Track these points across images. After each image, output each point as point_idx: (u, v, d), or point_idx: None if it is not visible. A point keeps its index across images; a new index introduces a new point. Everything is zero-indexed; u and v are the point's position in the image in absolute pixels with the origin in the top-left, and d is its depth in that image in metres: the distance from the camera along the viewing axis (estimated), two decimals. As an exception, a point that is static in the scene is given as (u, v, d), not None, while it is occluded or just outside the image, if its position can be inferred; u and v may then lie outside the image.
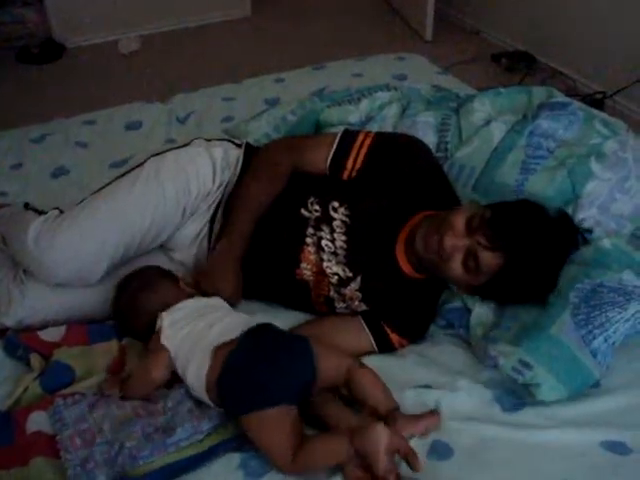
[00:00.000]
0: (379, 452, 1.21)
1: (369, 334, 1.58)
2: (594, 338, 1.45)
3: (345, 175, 1.68)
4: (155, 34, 4.18)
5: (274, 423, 1.28)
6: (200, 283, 1.58)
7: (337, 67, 2.86)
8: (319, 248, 1.61)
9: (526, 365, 1.41)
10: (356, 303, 1.61)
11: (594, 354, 1.44)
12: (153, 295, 1.53)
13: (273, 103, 2.52)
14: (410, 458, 1.23)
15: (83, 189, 1.95)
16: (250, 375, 1.32)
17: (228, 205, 1.71)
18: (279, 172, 1.70)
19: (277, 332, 1.44)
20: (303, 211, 1.64)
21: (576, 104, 1.85)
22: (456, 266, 1.48)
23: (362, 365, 1.41)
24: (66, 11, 3.93)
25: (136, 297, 1.54)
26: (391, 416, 1.32)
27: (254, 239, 1.64)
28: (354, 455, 1.24)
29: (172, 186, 1.67)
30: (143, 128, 2.46)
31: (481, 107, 1.91)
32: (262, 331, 1.41)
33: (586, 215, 1.64)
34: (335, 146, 1.68)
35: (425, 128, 1.92)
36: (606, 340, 1.45)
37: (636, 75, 3.20)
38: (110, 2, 4.00)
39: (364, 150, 1.67)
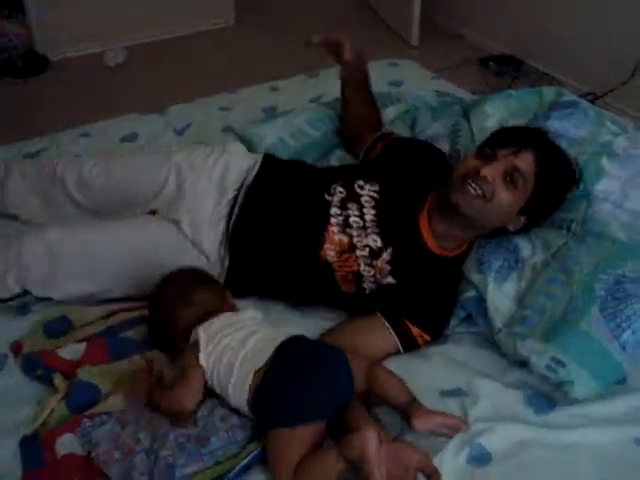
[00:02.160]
0: (366, 457, 1.16)
1: (391, 331, 1.58)
2: (623, 331, 1.46)
3: (374, 152, 1.88)
4: (140, 45, 4.13)
5: (300, 439, 1.26)
6: None
7: (330, 74, 2.83)
8: (346, 226, 1.64)
9: (559, 363, 1.42)
10: (385, 277, 1.62)
11: (623, 347, 1.45)
12: (188, 308, 1.49)
13: (270, 112, 2.52)
14: (432, 476, 1.21)
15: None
16: (292, 389, 1.30)
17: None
18: None
19: (313, 343, 1.43)
20: (326, 196, 1.68)
21: (586, 103, 1.87)
22: (503, 193, 1.55)
23: (375, 363, 1.41)
24: (50, 23, 3.87)
25: (170, 310, 1.49)
26: (410, 408, 1.34)
27: (276, 227, 1.68)
28: (348, 467, 1.20)
29: None
30: (139, 140, 2.42)
31: (493, 110, 1.92)
32: (297, 344, 1.39)
33: (600, 209, 1.65)
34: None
35: (437, 140, 1.94)
36: (634, 333, 1.46)
37: (624, 75, 3.24)
38: (94, 14, 3.94)
39: (385, 142, 1.89)
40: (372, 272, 1.62)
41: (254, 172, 1.80)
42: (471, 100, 2.15)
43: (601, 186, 1.68)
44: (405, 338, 1.58)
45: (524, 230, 1.65)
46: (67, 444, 1.32)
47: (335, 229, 1.64)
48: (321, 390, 1.31)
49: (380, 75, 2.74)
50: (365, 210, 1.65)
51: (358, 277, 1.63)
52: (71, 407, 1.40)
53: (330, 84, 2.66)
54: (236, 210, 1.73)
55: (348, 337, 1.56)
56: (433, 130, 2.01)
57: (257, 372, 1.33)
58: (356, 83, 2.01)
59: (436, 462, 1.27)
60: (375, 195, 1.67)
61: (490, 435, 1.35)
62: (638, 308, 1.47)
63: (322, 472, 1.23)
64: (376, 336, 1.58)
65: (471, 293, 1.64)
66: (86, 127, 2.53)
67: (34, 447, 1.33)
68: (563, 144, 1.75)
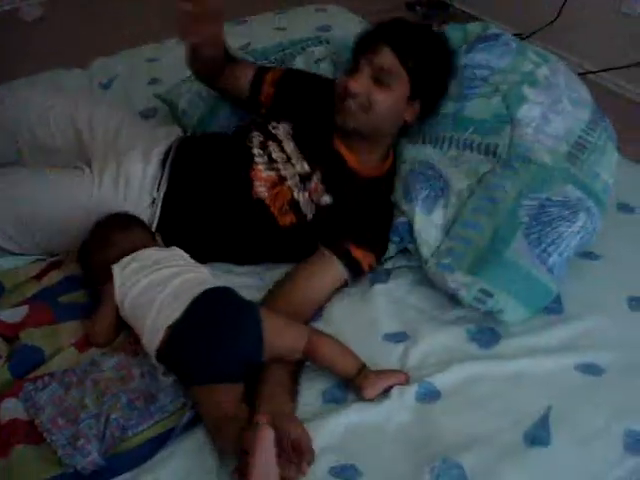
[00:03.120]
0: (253, 457, 1.10)
1: (335, 259, 1.59)
2: (549, 255, 1.50)
3: (263, 94, 1.86)
4: (56, -1, 3.98)
5: (210, 398, 1.26)
6: None
7: (259, 21, 2.81)
8: (271, 162, 1.68)
9: (487, 293, 1.46)
10: (322, 196, 1.64)
11: (551, 270, 1.49)
12: (127, 234, 1.52)
13: (198, 62, 2.45)
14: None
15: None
16: (191, 351, 1.30)
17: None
18: None
19: (226, 301, 1.38)
20: (247, 142, 1.72)
21: (509, 35, 1.87)
22: (379, 96, 1.58)
23: (319, 334, 1.40)
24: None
25: (110, 232, 1.52)
26: (362, 375, 1.34)
27: (205, 183, 1.68)
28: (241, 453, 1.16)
29: None
30: (65, 96, 2.34)
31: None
32: (211, 300, 1.36)
33: (523, 133, 1.66)
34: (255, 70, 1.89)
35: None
36: (560, 255, 1.51)
37: (550, 16, 3.26)
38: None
39: (272, 81, 1.87)
40: (307, 195, 1.65)
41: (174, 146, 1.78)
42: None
43: (523, 112, 1.68)
44: (349, 263, 1.59)
45: (425, 116, 1.70)
46: (11, 409, 1.28)
47: (261, 167, 1.67)
48: (225, 353, 1.29)
49: (308, 21, 2.72)
50: (284, 145, 1.70)
51: (294, 205, 1.65)
52: (14, 371, 1.36)
53: (258, 30, 2.65)
54: (164, 180, 1.71)
55: (293, 283, 1.57)
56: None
57: (168, 328, 1.32)
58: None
59: (384, 402, 1.31)
60: (290, 130, 1.72)
61: (437, 373, 1.38)
62: (563, 231, 1.52)
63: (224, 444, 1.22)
64: (322, 272, 1.59)
65: (403, 218, 1.65)
66: (8, 85, 2.42)
67: (-24, 415, 1.29)
68: (485, 73, 1.75)
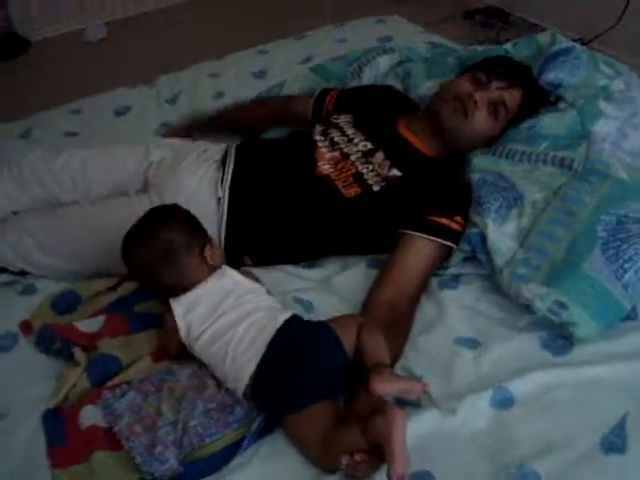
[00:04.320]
0: (391, 441, 1.12)
1: (423, 236, 1.60)
2: (625, 272, 1.47)
3: (324, 111, 1.97)
4: (119, 20, 4.07)
5: (309, 422, 1.25)
6: None
7: (318, 35, 2.83)
8: (333, 145, 1.73)
9: (562, 305, 1.43)
10: (388, 170, 1.67)
11: (625, 287, 1.46)
12: (169, 270, 1.41)
13: (260, 76, 2.50)
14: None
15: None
16: (281, 381, 1.29)
17: None
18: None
19: (298, 330, 1.36)
20: (308, 133, 1.80)
21: (579, 47, 1.86)
22: (483, 118, 1.70)
23: (369, 324, 1.37)
24: (28, 4, 3.82)
25: (151, 269, 1.42)
26: (376, 367, 1.27)
27: (270, 173, 1.70)
28: (371, 447, 1.17)
29: None
30: (132, 113, 2.40)
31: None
32: (286, 332, 1.34)
33: (600, 149, 1.65)
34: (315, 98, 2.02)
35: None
36: (636, 273, 1.48)
37: (612, 20, 3.22)
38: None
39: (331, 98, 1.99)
40: (370, 168, 1.67)
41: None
42: (464, 50, 2.14)
43: (599, 127, 1.69)
44: (439, 232, 1.60)
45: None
46: (90, 416, 1.32)
47: (324, 150, 1.72)
48: (310, 373, 1.28)
49: (368, 32, 2.74)
50: (345, 129, 1.77)
51: (358, 177, 1.66)
52: (92, 380, 1.39)
53: (318, 44, 2.68)
54: (226, 179, 1.71)
55: (394, 276, 1.56)
56: (425, 89, 2.00)
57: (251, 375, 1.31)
58: None
59: (458, 408, 1.30)
60: (350, 119, 1.80)
61: (511, 380, 1.36)
62: (640, 248, 1.49)
63: (346, 449, 1.19)
64: (414, 253, 1.59)
65: (473, 230, 1.63)
66: (75, 104, 2.49)
67: (57, 421, 1.32)
68: (560, 91, 1.79)
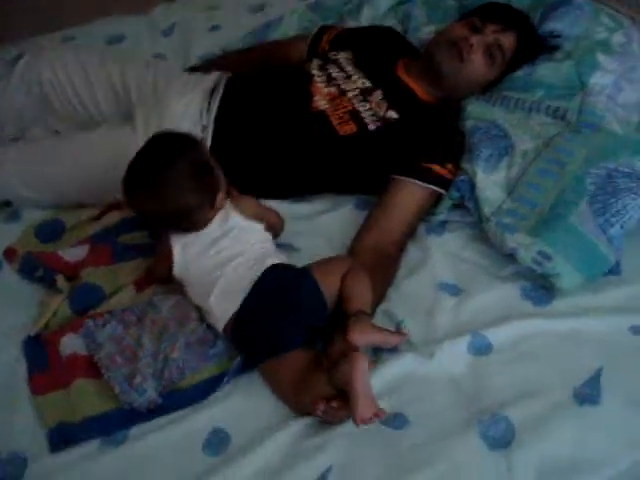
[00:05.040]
0: (352, 384, 1.13)
1: (414, 181, 1.60)
2: (611, 226, 1.47)
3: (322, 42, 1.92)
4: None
5: (283, 368, 1.27)
6: None
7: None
8: (330, 80, 1.71)
9: (545, 256, 1.44)
10: (386, 111, 1.66)
11: (610, 240, 1.47)
12: (179, 220, 1.39)
13: (258, 10, 2.43)
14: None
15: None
16: (258, 327, 1.30)
17: None
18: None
19: (283, 274, 1.36)
20: (304, 66, 1.78)
21: (581, -4, 1.83)
22: (480, 62, 1.70)
23: (355, 268, 1.37)
24: None
25: (159, 216, 1.38)
26: (357, 317, 1.28)
27: (262, 103, 1.68)
28: (337, 392, 1.19)
29: None
30: (126, 42, 2.34)
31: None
32: (268, 277, 1.34)
33: (595, 100, 1.64)
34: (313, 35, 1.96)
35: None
36: (622, 227, 1.48)
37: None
38: None
39: (328, 36, 1.94)
40: (367, 106, 1.66)
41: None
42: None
43: (595, 79, 1.67)
44: (429, 178, 1.61)
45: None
46: (71, 344, 1.33)
47: (320, 85, 1.70)
48: (287, 322, 1.29)
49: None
50: (344, 66, 1.75)
51: (355, 115, 1.64)
52: (74, 308, 1.40)
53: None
54: (213, 106, 1.68)
55: (381, 219, 1.57)
56: (425, 34, 1.97)
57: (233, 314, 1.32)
58: None
59: (436, 352, 1.31)
60: (350, 57, 1.78)
61: (490, 327, 1.37)
62: (628, 202, 1.48)
63: (316, 395, 1.21)
64: (403, 197, 1.60)
65: (464, 176, 1.62)
66: (68, 31, 2.43)
67: (38, 348, 1.34)
68: (558, 42, 1.77)
